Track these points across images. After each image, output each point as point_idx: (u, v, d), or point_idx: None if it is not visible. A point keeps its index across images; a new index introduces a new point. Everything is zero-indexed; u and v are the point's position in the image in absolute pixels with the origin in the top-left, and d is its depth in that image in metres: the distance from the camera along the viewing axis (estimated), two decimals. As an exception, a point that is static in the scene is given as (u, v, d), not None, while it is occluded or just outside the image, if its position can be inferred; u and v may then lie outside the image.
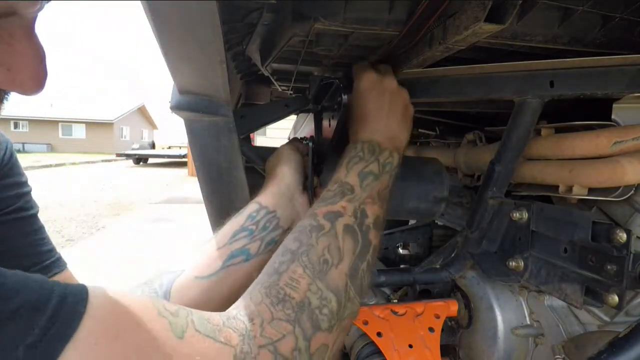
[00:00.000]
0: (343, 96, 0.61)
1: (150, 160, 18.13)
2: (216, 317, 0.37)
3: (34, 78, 0.36)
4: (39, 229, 0.58)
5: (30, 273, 0.53)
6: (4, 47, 0.34)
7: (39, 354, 0.25)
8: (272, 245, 0.62)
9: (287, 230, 0.65)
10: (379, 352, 0.75)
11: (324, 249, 0.46)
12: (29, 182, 0.60)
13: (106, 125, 29.19)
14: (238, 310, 0.39)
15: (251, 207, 0.64)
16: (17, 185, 0.57)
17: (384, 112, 0.62)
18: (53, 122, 28.48)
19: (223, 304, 0.57)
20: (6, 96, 0.38)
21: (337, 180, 0.55)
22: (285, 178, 0.68)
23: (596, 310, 0.78)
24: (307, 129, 1.71)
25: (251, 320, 0.38)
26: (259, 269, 0.62)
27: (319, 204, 0.52)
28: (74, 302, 0.29)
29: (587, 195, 0.70)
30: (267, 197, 0.65)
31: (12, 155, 0.61)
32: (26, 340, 0.25)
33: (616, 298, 0.58)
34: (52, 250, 0.58)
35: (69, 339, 0.27)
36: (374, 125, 0.61)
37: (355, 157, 0.57)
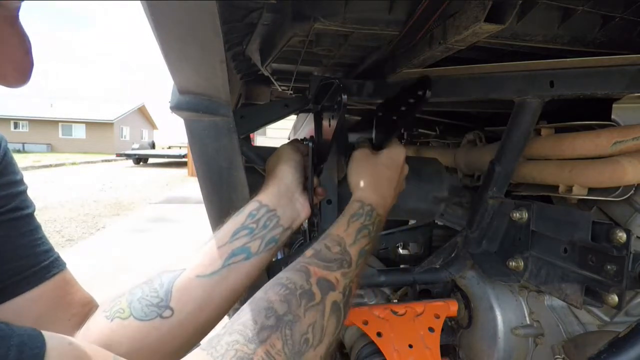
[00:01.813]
0: (343, 96, 0.61)
1: (150, 160, 18.12)
2: None
3: (18, 69, 0.35)
4: (36, 229, 0.57)
5: (28, 275, 0.52)
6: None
7: None
8: (273, 244, 0.62)
9: (287, 229, 0.65)
10: (379, 352, 0.75)
11: (309, 325, 0.45)
12: (25, 181, 0.60)
13: (106, 125, 29.19)
14: None
15: (251, 206, 0.64)
16: (12, 184, 0.56)
17: (379, 180, 0.68)
18: (53, 122, 28.47)
19: (224, 304, 0.57)
20: None
21: (340, 241, 0.56)
22: (285, 178, 0.68)
23: (596, 310, 0.78)
24: (307, 129, 1.71)
25: None
26: (260, 267, 0.62)
27: (314, 261, 0.52)
28: (31, 356, 0.27)
29: (587, 195, 0.70)
30: (267, 196, 0.65)
31: (6, 154, 0.60)
32: None
33: (616, 298, 0.58)
34: (50, 250, 0.57)
35: None
36: (373, 190, 0.66)
37: (363, 227, 0.59)
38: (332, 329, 0.47)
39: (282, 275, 0.50)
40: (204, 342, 0.42)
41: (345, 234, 0.57)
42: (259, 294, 0.48)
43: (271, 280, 0.50)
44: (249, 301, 0.47)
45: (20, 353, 0.26)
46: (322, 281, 0.49)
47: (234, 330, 0.42)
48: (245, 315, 0.44)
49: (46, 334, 0.29)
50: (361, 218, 0.60)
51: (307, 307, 0.46)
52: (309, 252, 0.54)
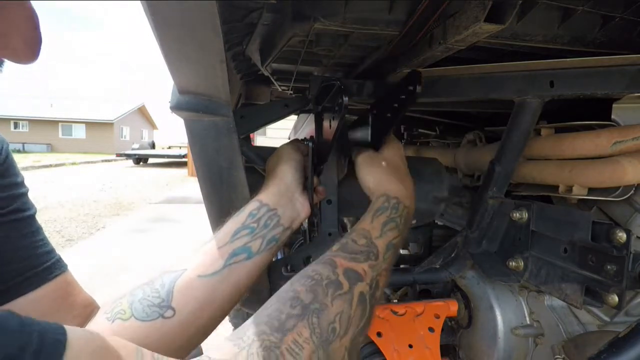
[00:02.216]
0: (344, 98, 0.61)
1: (150, 160, 18.11)
2: None
3: (28, 43, 0.35)
4: (37, 230, 0.57)
5: (30, 276, 0.53)
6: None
7: None
8: (273, 243, 0.62)
9: (287, 229, 0.65)
10: (379, 352, 0.75)
11: (337, 315, 0.44)
12: (26, 183, 0.60)
13: (106, 125, 29.19)
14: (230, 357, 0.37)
15: (252, 205, 0.64)
16: (14, 186, 0.57)
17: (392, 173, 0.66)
18: (53, 122, 28.48)
19: (226, 303, 0.57)
20: (0, 68, 0.37)
21: (366, 234, 0.55)
22: (285, 178, 0.68)
23: (596, 310, 0.78)
24: (307, 129, 1.71)
25: None
26: (261, 266, 0.62)
27: (340, 253, 0.51)
28: (52, 345, 0.27)
29: (587, 195, 0.70)
30: (267, 196, 0.65)
31: (7, 156, 0.60)
32: None
33: (616, 298, 0.58)
34: (51, 251, 0.58)
35: None
36: (394, 182, 0.64)
37: (390, 220, 0.57)
38: (357, 320, 0.46)
39: (308, 268, 0.49)
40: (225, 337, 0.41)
41: (371, 227, 0.56)
42: (284, 287, 0.47)
43: (297, 274, 0.49)
44: (274, 294, 0.46)
45: (43, 339, 0.27)
46: (349, 272, 0.49)
47: (260, 321, 0.42)
48: (271, 306, 0.44)
49: (66, 326, 0.29)
50: (387, 211, 0.59)
51: (334, 296, 0.45)
52: (334, 247, 0.53)
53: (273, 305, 0.44)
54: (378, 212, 0.59)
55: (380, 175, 0.66)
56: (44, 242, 0.58)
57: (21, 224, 0.56)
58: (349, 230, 0.57)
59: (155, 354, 0.34)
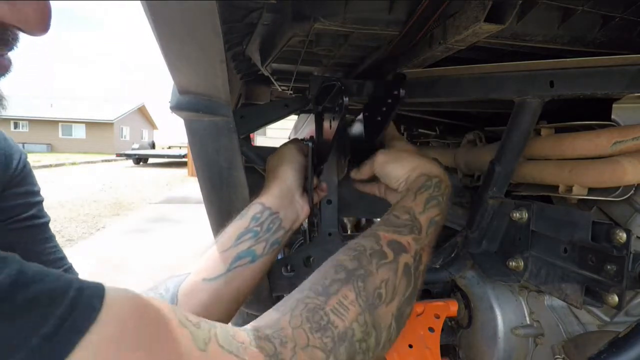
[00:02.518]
0: (344, 99, 0.61)
1: (150, 160, 18.11)
2: (242, 334, 0.35)
3: (38, 11, 0.35)
4: (50, 237, 0.58)
5: None
6: None
7: (53, 346, 0.24)
8: (276, 246, 0.63)
9: (288, 231, 0.65)
10: (379, 352, 0.75)
11: (382, 282, 0.44)
12: (41, 193, 0.62)
13: (106, 125, 29.19)
14: (272, 330, 0.37)
15: (255, 209, 0.64)
16: (30, 194, 0.58)
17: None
18: (53, 122, 28.48)
19: (231, 306, 0.57)
20: (14, 41, 0.37)
21: (408, 210, 0.54)
22: (286, 179, 0.68)
23: (596, 310, 0.78)
24: (307, 129, 1.71)
25: (284, 344, 0.35)
26: (264, 269, 0.62)
27: (383, 227, 0.51)
28: (90, 296, 0.27)
29: (587, 195, 0.70)
30: (270, 199, 0.65)
31: (25, 166, 0.63)
32: (41, 330, 0.24)
33: (616, 298, 0.58)
34: (63, 258, 0.58)
35: (83, 335, 0.25)
36: (428, 163, 0.64)
37: (433, 198, 0.57)
38: (402, 289, 0.46)
39: (351, 242, 0.49)
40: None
41: (414, 203, 0.56)
42: (327, 261, 0.47)
43: (341, 248, 0.49)
44: (317, 269, 0.46)
45: (80, 292, 0.27)
46: (393, 243, 0.49)
47: (304, 288, 0.42)
48: (314, 276, 0.44)
49: (106, 285, 0.30)
50: (429, 189, 0.58)
51: (379, 265, 0.45)
52: (377, 223, 0.53)
53: (316, 274, 0.44)
54: (421, 190, 0.58)
55: (411, 161, 0.64)
56: (57, 249, 0.58)
57: (36, 231, 0.56)
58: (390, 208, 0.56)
59: (191, 315, 0.33)
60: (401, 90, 0.61)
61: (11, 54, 0.38)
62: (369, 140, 0.73)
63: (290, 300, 0.40)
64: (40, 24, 0.36)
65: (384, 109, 0.68)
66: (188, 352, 0.30)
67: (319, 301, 0.40)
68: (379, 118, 0.70)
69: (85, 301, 0.27)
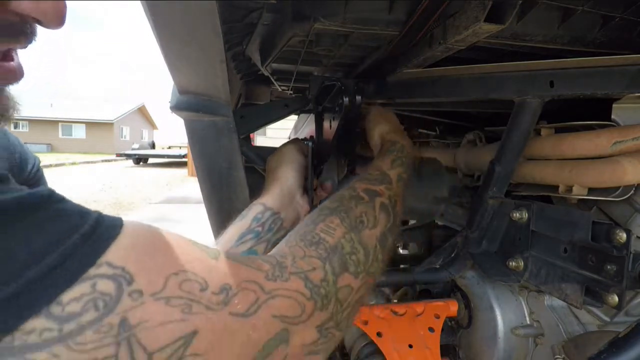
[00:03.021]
0: (344, 99, 0.62)
1: (150, 160, 18.10)
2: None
3: (56, 6, 0.38)
4: None
5: None
6: None
7: (93, 242, 0.28)
8: None
9: (288, 231, 0.65)
10: (379, 352, 0.75)
11: (362, 213, 0.49)
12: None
13: (106, 125, 29.18)
14: (271, 252, 0.42)
15: (256, 209, 0.64)
16: None
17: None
18: (53, 122, 28.47)
19: None
20: (32, 35, 0.39)
21: (378, 168, 0.60)
22: (288, 180, 0.68)
23: (596, 310, 0.78)
24: (307, 129, 1.71)
25: (283, 256, 0.40)
26: None
27: (358, 182, 0.56)
28: (111, 219, 0.31)
29: (587, 195, 0.70)
30: (271, 199, 0.65)
31: (38, 170, 0.68)
32: (81, 229, 0.28)
33: (616, 298, 0.58)
34: None
35: (113, 239, 0.29)
36: (398, 134, 0.70)
37: (397, 159, 0.63)
38: (383, 220, 0.51)
39: (330, 195, 0.55)
40: None
41: (382, 162, 0.61)
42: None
43: None
44: None
45: (102, 216, 0.30)
46: (368, 190, 0.53)
47: (293, 231, 0.46)
48: (298, 224, 0.48)
49: (125, 219, 0.32)
50: (394, 152, 0.64)
51: (357, 204, 0.50)
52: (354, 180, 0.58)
53: (301, 222, 0.49)
54: (387, 153, 0.64)
55: (390, 126, 0.71)
56: None
57: None
58: None
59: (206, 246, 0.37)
60: (344, 99, 0.64)
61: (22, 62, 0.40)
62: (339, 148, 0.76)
63: (282, 241, 0.45)
64: (58, 17, 0.38)
65: (333, 116, 0.70)
66: (204, 258, 0.33)
67: (309, 227, 0.45)
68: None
69: (107, 221, 0.30)
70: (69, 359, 0.24)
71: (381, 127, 0.71)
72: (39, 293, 0.24)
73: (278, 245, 0.44)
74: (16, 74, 0.40)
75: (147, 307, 0.28)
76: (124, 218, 0.32)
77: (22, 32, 0.37)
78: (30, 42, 0.39)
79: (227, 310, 0.32)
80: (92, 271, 0.27)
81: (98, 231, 0.29)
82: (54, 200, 0.29)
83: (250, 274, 0.35)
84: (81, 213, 0.29)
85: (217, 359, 0.30)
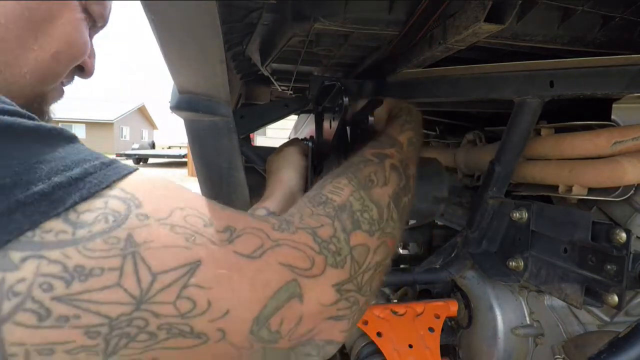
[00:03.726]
0: (344, 99, 0.62)
1: (151, 160, 18.10)
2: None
3: (93, 63, 0.53)
4: None
5: None
6: (88, 42, 0.50)
7: (112, 169, 0.31)
8: None
9: None
10: (379, 352, 0.75)
11: (371, 172, 0.48)
12: None
13: (106, 125, 29.17)
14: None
15: (259, 213, 0.64)
16: None
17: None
18: (53, 122, 28.43)
19: None
20: (72, 79, 0.53)
21: (387, 133, 0.59)
22: (290, 182, 0.68)
23: (596, 310, 0.78)
24: (307, 129, 1.71)
25: (291, 215, 0.39)
26: None
27: (367, 148, 0.54)
28: (127, 165, 0.33)
29: (587, 195, 0.70)
30: (274, 203, 0.65)
31: None
32: (103, 159, 0.31)
33: (616, 298, 0.58)
34: None
35: (127, 172, 0.32)
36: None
37: (406, 122, 0.62)
38: (395, 180, 0.49)
39: None
40: None
41: (392, 128, 0.60)
42: None
43: None
44: None
45: (117, 161, 0.33)
46: (377, 154, 0.52)
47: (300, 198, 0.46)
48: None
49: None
50: (402, 117, 0.62)
51: (366, 165, 0.49)
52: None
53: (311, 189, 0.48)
54: (395, 119, 0.62)
55: (394, 101, 0.69)
56: None
57: None
58: None
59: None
60: (370, 118, 0.63)
61: None
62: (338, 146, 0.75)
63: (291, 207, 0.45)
64: (92, 71, 0.53)
65: (363, 127, 0.70)
66: (211, 204, 0.34)
67: (316, 191, 0.44)
68: (359, 131, 0.72)
69: (124, 164, 0.33)
70: (78, 261, 0.26)
71: (387, 103, 0.69)
72: (61, 197, 0.27)
73: (289, 209, 0.43)
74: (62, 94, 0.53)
75: (152, 229, 0.29)
76: None
77: (67, 77, 0.50)
78: (70, 82, 0.53)
79: (230, 248, 0.32)
80: (107, 192, 0.29)
81: (115, 164, 0.32)
82: (80, 141, 0.33)
83: (257, 223, 0.35)
84: (101, 154, 0.33)
85: (223, 297, 0.30)
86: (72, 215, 0.27)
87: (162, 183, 0.34)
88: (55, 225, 0.26)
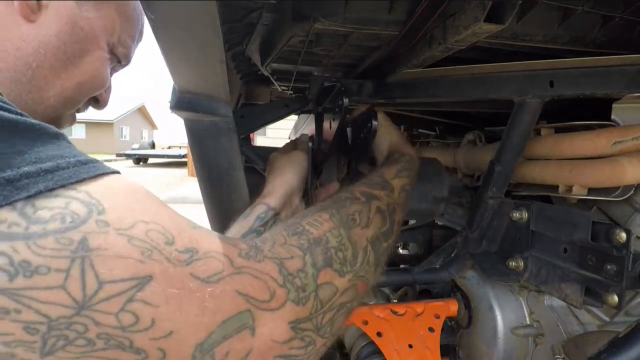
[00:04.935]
0: (344, 100, 0.62)
1: (150, 160, 18.10)
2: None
3: (109, 97, 0.60)
4: None
5: None
6: (108, 78, 0.56)
7: (86, 168, 0.31)
8: None
9: None
10: (379, 352, 0.75)
11: (355, 211, 0.47)
12: None
13: (106, 125, 29.18)
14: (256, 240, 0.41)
15: (260, 209, 0.64)
16: None
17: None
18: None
19: None
20: (86, 108, 0.60)
21: (381, 175, 0.59)
22: (292, 181, 0.68)
23: (596, 310, 0.78)
24: (307, 129, 1.71)
25: (263, 241, 0.38)
26: None
27: (357, 186, 0.55)
28: (107, 166, 0.33)
29: (587, 195, 0.70)
30: (274, 199, 0.65)
31: None
32: (79, 157, 0.31)
33: (616, 298, 0.58)
34: None
35: (104, 172, 0.32)
36: (407, 145, 0.71)
37: (404, 169, 0.62)
38: (377, 223, 0.49)
39: None
40: None
41: (386, 171, 0.60)
42: None
43: None
44: None
45: (96, 161, 0.33)
46: (366, 193, 0.52)
47: (279, 224, 0.46)
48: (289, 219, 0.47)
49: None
50: (401, 163, 0.63)
51: (352, 202, 0.49)
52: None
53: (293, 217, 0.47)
54: (394, 162, 0.63)
55: (398, 137, 0.71)
56: None
57: None
58: None
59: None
60: (345, 100, 0.64)
61: None
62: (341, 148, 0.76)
63: (269, 232, 0.44)
64: (106, 105, 0.60)
65: (362, 136, 0.70)
66: (180, 222, 0.34)
67: (296, 220, 0.43)
68: (358, 141, 0.73)
69: (104, 165, 0.33)
70: (25, 257, 0.26)
71: (392, 138, 0.70)
72: (26, 184, 0.27)
73: (265, 233, 0.43)
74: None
75: (109, 237, 0.28)
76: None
77: (83, 107, 0.58)
78: (84, 111, 0.60)
79: (187, 270, 0.31)
80: (72, 193, 0.29)
81: (92, 164, 0.32)
82: (68, 140, 0.33)
83: (223, 248, 0.34)
84: (84, 153, 0.33)
85: (169, 317, 0.29)
86: (29, 210, 0.27)
87: (136, 194, 0.33)
88: (9, 216, 0.26)
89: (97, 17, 0.51)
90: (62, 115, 0.53)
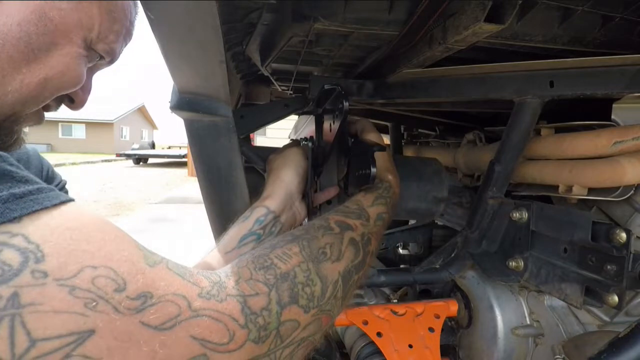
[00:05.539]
0: (345, 103, 0.62)
1: (150, 161, 18.11)
2: (193, 268, 0.37)
3: (87, 97, 0.55)
4: None
5: None
6: (91, 79, 0.54)
7: (22, 202, 0.28)
8: None
9: None
10: (379, 352, 0.75)
11: (327, 244, 0.46)
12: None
13: (106, 125, 29.17)
14: (223, 268, 0.39)
15: (259, 212, 0.64)
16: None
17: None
18: (53, 122, 28.45)
19: None
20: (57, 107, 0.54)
21: (358, 202, 0.57)
22: (291, 183, 0.68)
23: (596, 310, 0.78)
24: (307, 129, 1.71)
25: (228, 276, 0.37)
26: None
27: (333, 214, 0.54)
28: (55, 195, 0.30)
29: (587, 195, 0.70)
30: (274, 202, 0.65)
31: (49, 169, 0.81)
32: (15, 189, 0.28)
33: (616, 298, 0.58)
34: None
35: (53, 204, 0.30)
36: (389, 171, 0.68)
37: (381, 197, 0.60)
38: (350, 256, 0.48)
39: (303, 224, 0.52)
40: None
41: (363, 198, 0.59)
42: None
43: None
44: None
45: (39, 191, 0.30)
46: (340, 222, 0.51)
47: (248, 252, 0.44)
48: (259, 246, 0.46)
49: (80, 204, 0.33)
50: (379, 190, 0.61)
51: (324, 234, 0.48)
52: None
53: (263, 244, 0.46)
54: (371, 189, 0.61)
55: (383, 162, 0.68)
56: None
57: None
58: None
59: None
60: (345, 103, 0.63)
61: None
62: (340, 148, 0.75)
63: (239, 259, 0.43)
64: (84, 103, 0.55)
65: (334, 119, 0.70)
66: (137, 261, 0.31)
67: (265, 251, 0.42)
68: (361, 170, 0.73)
69: (52, 194, 0.30)
70: None
71: (377, 163, 0.68)
72: None
73: (233, 262, 0.41)
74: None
75: (46, 290, 0.26)
76: (88, 206, 0.31)
77: (56, 105, 0.53)
78: (56, 110, 0.55)
79: (137, 318, 0.29)
80: (4, 238, 0.26)
81: (30, 197, 0.28)
82: (10, 162, 0.30)
83: (183, 288, 0.32)
84: (27, 178, 0.29)
85: None
86: None
87: (86, 230, 0.30)
88: None
89: (72, 9, 0.45)
90: (22, 113, 0.47)
